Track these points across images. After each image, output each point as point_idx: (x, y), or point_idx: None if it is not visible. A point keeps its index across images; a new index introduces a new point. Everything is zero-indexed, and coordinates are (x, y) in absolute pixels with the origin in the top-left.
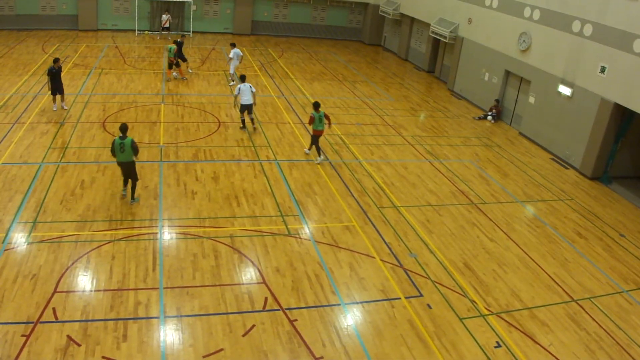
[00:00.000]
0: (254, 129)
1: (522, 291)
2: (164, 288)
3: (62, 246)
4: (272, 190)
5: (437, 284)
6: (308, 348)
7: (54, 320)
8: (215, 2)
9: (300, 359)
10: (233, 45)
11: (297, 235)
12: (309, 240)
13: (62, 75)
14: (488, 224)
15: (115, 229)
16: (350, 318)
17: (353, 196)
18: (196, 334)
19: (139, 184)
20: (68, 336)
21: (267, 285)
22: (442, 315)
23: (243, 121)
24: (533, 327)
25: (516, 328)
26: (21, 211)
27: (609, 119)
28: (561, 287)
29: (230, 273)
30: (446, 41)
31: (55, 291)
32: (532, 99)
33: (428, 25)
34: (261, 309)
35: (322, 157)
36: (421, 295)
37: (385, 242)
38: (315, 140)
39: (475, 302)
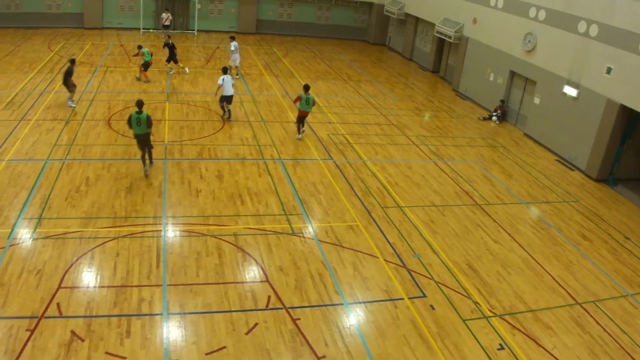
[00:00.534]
0: (228, 118)
1: (525, 293)
2: (168, 285)
3: (67, 242)
4: (276, 189)
5: (440, 285)
6: (310, 347)
7: (58, 315)
8: (220, 1)
9: (302, 357)
10: (232, 38)
11: (300, 235)
12: (313, 240)
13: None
14: (492, 225)
15: (120, 226)
16: (353, 318)
17: (357, 196)
18: (199, 332)
19: (154, 150)
20: (72, 331)
21: (270, 284)
22: (445, 316)
23: (225, 109)
24: (537, 330)
25: (520, 330)
26: (27, 207)
27: (615, 120)
28: (565, 290)
29: (234, 271)
30: (451, 41)
31: (59, 287)
32: (537, 100)
33: (433, 25)
34: (264, 308)
35: (301, 135)
36: (424, 295)
37: (389, 242)
38: (300, 119)
39: (479, 304)
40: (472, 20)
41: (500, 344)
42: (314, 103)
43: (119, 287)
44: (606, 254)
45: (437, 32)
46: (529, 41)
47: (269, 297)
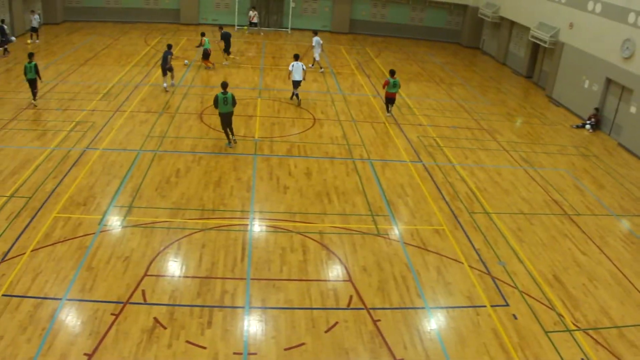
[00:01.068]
0: (298, 103)
1: (612, 308)
2: (251, 279)
3: (155, 231)
4: (363, 189)
5: (524, 295)
6: (389, 349)
7: (142, 302)
8: (314, 0)
9: (380, 359)
10: (315, 33)
11: (386, 236)
12: (398, 242)
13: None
14: (581, 236)
15: (207, 218)
16: (434, 322)
17: (445, 200)
18: (279, 327)
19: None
20: (155, 318)
21: (353, 284)
22: (527, 327)
23: (293, 94)
24: (621, 347)
25: (603, 346)
26: (118, 195)
27: None
28: None
29: (317, 269)
30: (546, 46)
31: (145, 274)
32: (633, 109)
33: (528, 29)
34: (345, 307)
35: (390, 113)
36: (507, 304)
37: (474, 248)
38: (388, 100)
39: (563, 316)
40: (568, 25)
41: (582, 359)
42: (399, 86)
43: (203, 278)
44: None
45: (532, 36)
46: (627, 48)
47: (351, 296)
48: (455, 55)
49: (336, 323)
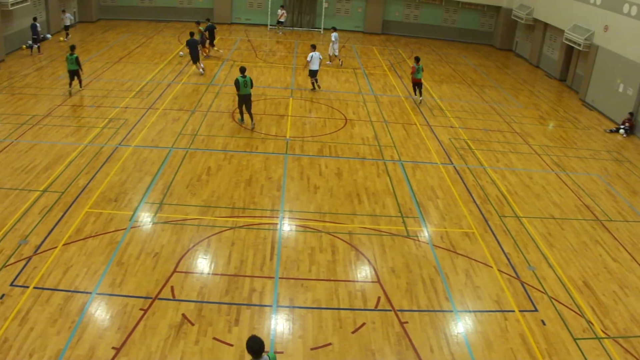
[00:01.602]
0: (318, 87)
1: None
2: (280, 278)
3: (185, 228)
4: (394, 190)
5: (553, 300)
6: (416, 351)
7: (171, 298)
8: (347, 0)
9: None
10: (334, 29)
11: (415, 238)
12: (427, 244)
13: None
14: (612, 242)
15: (237, 217)
16: (462, 326)
17: (475, 203)
18: (306, 326)
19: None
20: (183, 315)
21: (381, 285)
22: (555, 333)
23: (313, 84)
24: None
25: (633, 355)
26: (149, 192)
27: None
28: None
29: (346, 269)
30: (580, 49)
31: (174, 271)
32: None
33: (562, 31)
34: (373, 308)
35: (418, 96)
36: (536, 310)
37: (504, 252)
38: (416, 85)
39: (592, 324)
40: (603, 28)
41: None
42: (423, 70)
43: (232, 276)
44: None
45: (566, 39)
46: None
47: (379, 298)
48: (488, 57)
49: (363, 324)
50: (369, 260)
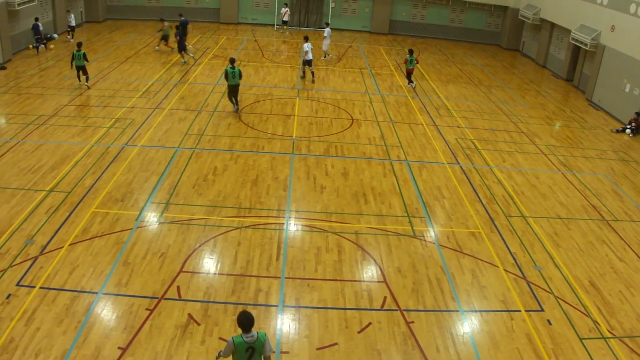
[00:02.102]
0: (313, 74)
1: None
2: (286, 278)
3: (191, 228)
4: (400, 190)
5: (559, 300)
6: (422, 351)
7: (177, 298)
8: (354, 0)
9: None
10: (327, 25)
11: (422, 238)
12: (434, 244)
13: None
14: (619, 242)
15: (243, 217)
16: (468, 326)
17: (481, 202)
18: (312, 326)
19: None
20: (189, 314)
21: (387, 285)
22: (561, 333)
23: (312, 73)
24: None
25: (639, 355)
26: (155, 192)
27: None
28: None
29: (352, 269)
30: (587, 49)
31: (181, 271)
32: None
33: (569, 31)
34: (379, 308)
35: (413, 84)
36: (542, 309)
37: (510, 252)
38: (409, 75)
39: (598, 323)
40: (610, 28)
41: None
42: (417, 62)
43: (238, 276)
44: None
45: (573, 38)
46: None
47: (385, 297)
48: (495, 57)
49: (369, 324)
50: (375, 260)
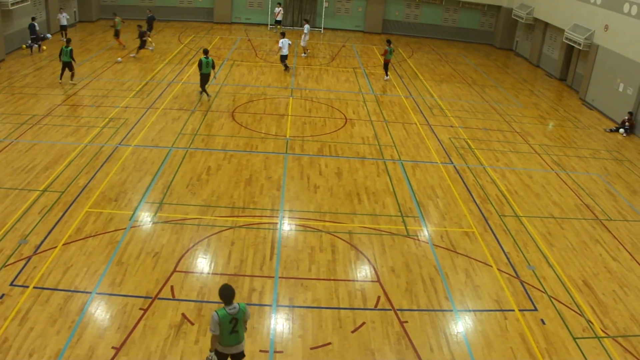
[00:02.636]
0: (288, 67)
1: None
2: (279, 277)
3: (185, 228)
4: (394, 189)
5: (553, 300)
6: (415, 351)
7: (171, 297)
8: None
9: None
10: (306, 21)
11: (415, 237)
12: (427, 243)
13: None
14: (612, 242)
15: (237, 216)
16: (461, 325)
17: (475, 202)
18: (306, 326)
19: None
20: (183, 314)
21: (381, 285)
22: (555, 333)
23: (285, 66)
24: None
25: (632, 355)
26: (149, 192)
27: None
28: None
29: (346, 269)
30: (580, 48)
31: (174, 270)
32: None
33: (562, 31)
34: (373, 307)
35: (387, 77)
36: (536, 309)
37: (503, 252)
38: (386, 66)
39: (592, 323)
40: (603, 28)
41: None
42: (392, 53)
43: (232, 276)
44: None
45: (566, 38)
46: None
47: (379, 297)
48: (488, 57)
49: (363, 323)
50: (368, 260)
